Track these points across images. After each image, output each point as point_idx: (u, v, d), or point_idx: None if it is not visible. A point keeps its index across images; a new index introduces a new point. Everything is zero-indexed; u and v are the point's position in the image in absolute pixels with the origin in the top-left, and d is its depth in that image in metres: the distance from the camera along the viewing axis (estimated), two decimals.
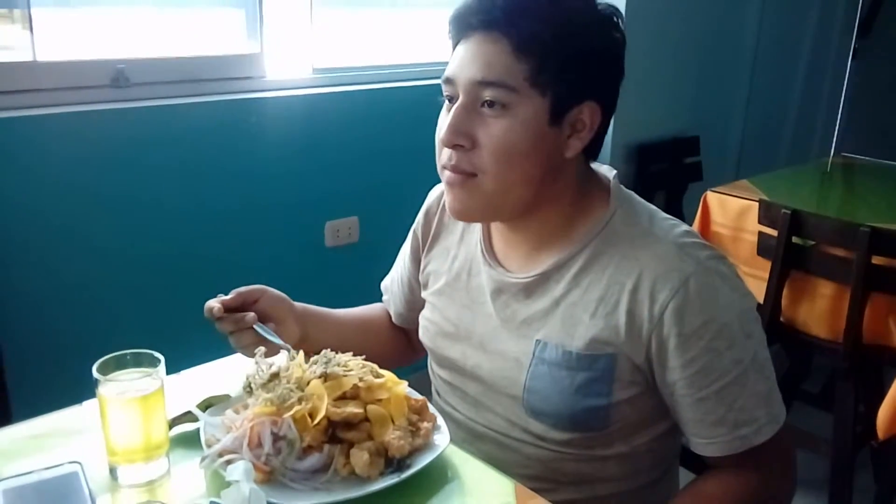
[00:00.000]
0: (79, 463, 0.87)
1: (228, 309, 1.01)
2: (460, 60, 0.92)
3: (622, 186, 1.02)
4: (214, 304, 1.01)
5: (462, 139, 0.92)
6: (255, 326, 1.00)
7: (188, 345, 1.21)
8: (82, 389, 0.93)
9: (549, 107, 0.90)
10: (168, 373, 0.91)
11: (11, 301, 1.70)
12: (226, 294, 1.04)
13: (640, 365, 0.94)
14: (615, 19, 0.94)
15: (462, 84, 0.92)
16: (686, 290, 0.90)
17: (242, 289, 1.05)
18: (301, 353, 0.96)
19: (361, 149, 2.29)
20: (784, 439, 0.97)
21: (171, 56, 2.00)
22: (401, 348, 1.28)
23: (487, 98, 0.90)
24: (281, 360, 0.98)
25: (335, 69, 2.31)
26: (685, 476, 1.09)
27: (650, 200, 1.03)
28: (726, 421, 0.93)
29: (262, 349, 0.97)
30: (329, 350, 0.95)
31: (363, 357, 0.97)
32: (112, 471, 0.88)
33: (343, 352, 0.96)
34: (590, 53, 0.91)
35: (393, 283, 1.26)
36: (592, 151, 0.99)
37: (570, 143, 0.94)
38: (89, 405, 0.96)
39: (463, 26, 0.93)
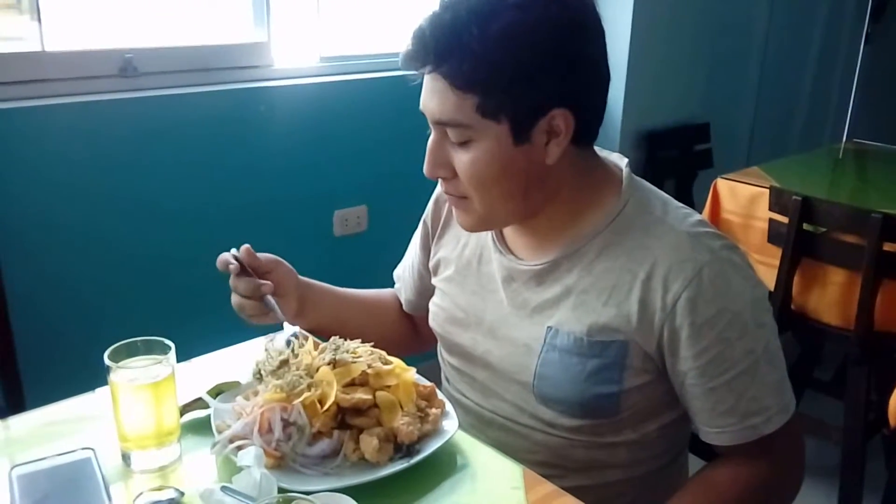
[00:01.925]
0: (92, 449, 0.88)
1: (243, 268, 1.04)
2: (423, 95, 0.93)
3: (634, 175, 1.01)
4: (231, 259, 1.04)
5: (440, 171, 0.95)
6: (267, 297, 1.03)
7: (199, 332, 1.22)
8: (95, 377, 0.94)
9: (509, 130, 0.89)
10: (179, 360, 0.92)
11: (24, 289, 1.71)
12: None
13: (650, 353, 0.94)
14: (569, 17, 0.88)
15: (428, 119, 0.94)
16: (700, 280, 0.90)
17: (261, 255, 1.07)
18: (310, 339, 0.97)
19: (370, 137, 2.28)
20: (794, 428, 0.96)
21: (179, 45, 2.00)
22: (406, 336, 1.28)
23: (449, 134, 0.92)
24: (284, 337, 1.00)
25: (343, 57, 2.30)
26: (694, 462, 1.09)
27: (659, 188, 1.03)
28: (737, 410, 0.92)
29: (273, 336, 0.98)
30: (337, 337, 0.96)
31: (371, 343, 0.97)
32: (124, 457, 0.89)
33: (343, 332, 0.97)
34: (536, 70, 0.87)
35: (405, 270, 1.26)
36: (584, 141, 0.96)
37: (548, 151, 0.92)
38: (102, 392, 0.96)
39: (411, 69, 0.93)
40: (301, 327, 1.10)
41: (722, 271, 0.91)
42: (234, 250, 1.06)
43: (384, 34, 2.42)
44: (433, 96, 0.91)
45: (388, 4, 2.44)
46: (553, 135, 0.91)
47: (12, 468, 0.85)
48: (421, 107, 0.94)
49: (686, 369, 0.93)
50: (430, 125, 0.94)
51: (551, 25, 0.87)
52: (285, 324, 1.04)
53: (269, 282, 1.04)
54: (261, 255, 1.08)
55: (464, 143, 0.91)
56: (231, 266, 1.04)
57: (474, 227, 1.02)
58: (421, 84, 0.94)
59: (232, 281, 1.05)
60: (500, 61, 0.86)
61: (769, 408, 0.93)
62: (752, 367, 0.92)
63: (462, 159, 0.92)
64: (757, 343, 0.92)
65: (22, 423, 1.00)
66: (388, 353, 0.98)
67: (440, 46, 0.88)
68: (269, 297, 1.04)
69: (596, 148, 1.01)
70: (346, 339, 0.96)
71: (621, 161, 1.02)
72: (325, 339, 0.97)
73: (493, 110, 0.88)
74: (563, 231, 0.99)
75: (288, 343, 0.99)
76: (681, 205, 1.00)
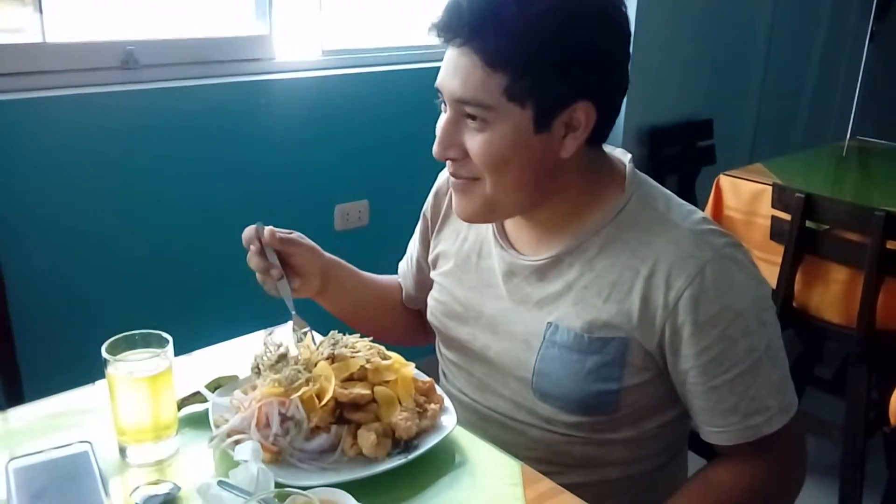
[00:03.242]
0: (89, 442, 0.88)
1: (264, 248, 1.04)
2: (444, 71, 0.91)
3: (638, 171, 1.00)
4: (254, 239, 1.03)
5: (452, 152, 0.93)
6: (282, 283, 1.03)
7: (198, 326, 1.22)
8: (94, 369, 0.94)
9: (532, 116, 0.88)
10: (178, 354, 0.92)
11: (23, 281, 1.71)
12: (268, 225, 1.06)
13: (651, 351, 0.94)
14: (605, 13, 0.88)
15: (447, 97, 0.92)
16: (702, 277, 0.89)
17: (285, 235, 1.06)
18: (309, 335, 0.97)
19: (371, 131, 2.28)
20: (796, 428, 0.96)
21: (180, 37, 1.99)
22: (415, 323, 1.28)
23: (468, 112, 0.90)
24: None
25: (345, 51, 2.29)
26: (693, 460, 1.09)
27: (662, 184, 1.02)
28: (738, 410, 0.92)
29: (272, 330, 0.99)
30: (336, 332, 0.96)
31: (370, 339, 0.97)
32: (122, 450, 0.89)
33: (359, 315, 0.97)
34: (570, 58, 0.86)
35: (405, 265, 1.26)
36: (598, 139, 0.95)
37: (565, 144, 0.91)
38: (101, 385, 0.96)
39: (441, 39, 0.91)
40: (323, 306, 1.11)
41: (725, 269, 0.91)
42: (259, 224, 1.05)
43: (387, 28, 2.41)
44: (457, 72, 0.89)
45: None
46: (571, 128, 0.90)
47: (9, 461, 0.84)
48: (438, 83, 0.92)
49: (687, 368, 0.92)
50: (447, 103, 0.92)
51: (590, 17, 0.87)
52: (293, 315, 1.04)
53: (278, 266, 1.03)
54: (286, 235, 1.06)
55: (481, 124, 0.89)
56: (252, 247, 1.03)
57: (475, 215, 0.98)
58: (431, 73, 0.92)
59: (248, 255, 1.05)
60: (536, 44, 0.85)
61: (770, 407, 0.92)
62: (754, 366, 0.91)
63: (476, 140, 0.90)
64: (759, 342, 0.92)
65: (21, 415, 1.00)
66: (399, 340, 0.98)
67: (476, 19, 0.86)
68: (285, 283, 1.04)
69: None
70: (350, 330, 0.97)
71: (625, 157, 1.02)
72: (340, 323, 0.97)
73: (521, 94, 0.87)
74: (566, 226, 0.98)
75: (294, 331, 0.99)
76: (684, 202, 0.99)
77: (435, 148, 0.94)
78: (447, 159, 0.95)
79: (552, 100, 0.88)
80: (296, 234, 1.08)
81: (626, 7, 0.91)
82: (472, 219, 1.01)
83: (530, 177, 0.92)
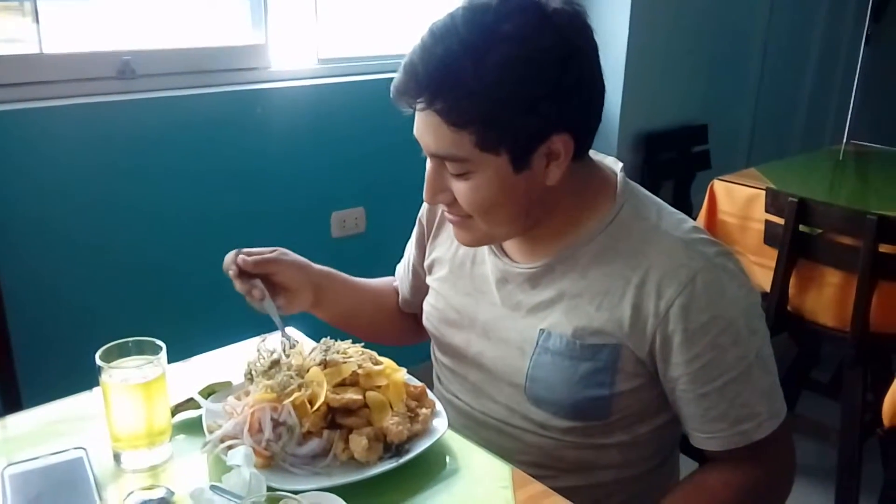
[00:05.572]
0: (83, 449, 0.89)
1: (244, 272, 1.03)
2: (416, 126, 0.91)
3: (629, 180, 1.01)
4: (231, 264, 1.03)
5: (440, 197, 0.95)
6: (267, 302, 1.03)
7: (191, 333, 1.22)
8: (91, 376, 0.94)
9: (509, 160, 0.88)
10: (171, 360, 0.92)
11: (20, 289, 1.72)
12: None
13: (642, 358, 0.94)
14: (565, 42, 0.85)
15: (424, 150, 0.93)
16: (693, 286, 0.90)
17: (261, 257, 1.06)
18: (301, 342, 0.98)
19: (368, 139, 2.29)
20: (785, 434, 0.96)
21: (177, 47, 2.00)
22: (409, 327, 1.28)
23: (446, 165, 0.91)
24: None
25: (341, 59, 2.31)
26: (685, 462, 1.10)
27: (657, 189, 1.03)
28: (728, 416, 0.93)
29: (265, 337, 1.00)
30: (328, 338, 0.97)
31: (362, 344, 0.98)
32: (116, 456, 0.90)
33: (354, 322, 0.97)
34: (535, 100, 0.85)
35: (402, 269, 1.27)
36: (581, 155, 0.94)
37: (548, 173, 0.91)
38: (98, 391, 0.97)
39: (401, 104, 0.90)
40: (318, 317, 1.12)
41: (716, 278, 0.91)
42: (238, 250, 1.05)
43: (382, 36, 2.43)
44: (427, 130, 0.89)
45: (386, 6, 2.45)
46: (552, 157, 0.90)
47: (5, 467, 0.85)
48: (415, 135, 0.92)
49: (678, 375, 0.93)
50: (426, 155, 0.94)
51: (547, 55, 0.84)
52: (285, 330, 1.05)
53: (259, 287, 1.03)
54: (264, 256, 1.06)
55: (461, 174, 0.90)
56: (230, 272, 1.04)
57: (475, 244, 1.02)
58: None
59: (234, 284, 1.05)
60: (497, 97, 0.84)
61: (760, 414, 0.93)
62: (744, 373, 0.92)
63: (461, 188, 0.91)
64: (749, 350, 0.92)
65: (18, 422, 1.01)
66: (394, 342, 0.98)
67: (434, 83, 0.86)
68: (269, 302, 1.03)
69: (591, 152, 1.00)
70: (343, 336, 0.97)
71: (616, 166, 1.02)
72: (336, 331, 0.98)
73: (492, 144, 0.87)
74: (558, 236, 0.99)
75: (283, 344, 1.00)
76: (675, 210, 1.00)
77: (425, 195, 0.95)
78: (438, 203, 0.96)
79: (525, 142, 0.88)
80: (278, 252, 1.08)
81: (585, 17, 0.89)
82: (472, 246, 1.04)
83: (520, 209, 0.94)
